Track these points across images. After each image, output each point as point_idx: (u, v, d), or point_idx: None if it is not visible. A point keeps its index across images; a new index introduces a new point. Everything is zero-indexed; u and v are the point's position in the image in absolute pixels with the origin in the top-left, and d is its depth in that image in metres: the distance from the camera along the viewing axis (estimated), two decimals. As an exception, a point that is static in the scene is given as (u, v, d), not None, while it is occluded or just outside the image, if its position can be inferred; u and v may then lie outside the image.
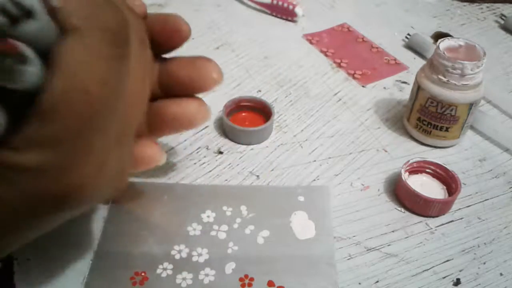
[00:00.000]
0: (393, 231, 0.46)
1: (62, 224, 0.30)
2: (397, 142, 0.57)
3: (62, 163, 0.22)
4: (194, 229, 0.45)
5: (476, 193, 0.51)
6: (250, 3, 0.80)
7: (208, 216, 0.46)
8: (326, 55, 0.71)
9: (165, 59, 0.40)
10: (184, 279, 0.41)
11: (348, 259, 0.44)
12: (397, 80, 0.67)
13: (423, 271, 0.43)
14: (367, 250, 0.45)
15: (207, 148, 0.54)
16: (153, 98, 0.39)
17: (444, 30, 0.77)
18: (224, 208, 0.47)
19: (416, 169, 0.51)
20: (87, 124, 0.22)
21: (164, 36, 0.36)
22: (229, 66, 0.68)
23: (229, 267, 0.42)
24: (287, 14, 0.78)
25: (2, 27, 0.20)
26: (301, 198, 0.48)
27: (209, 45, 0.72)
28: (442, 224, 0.47)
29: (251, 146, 0.55)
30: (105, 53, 0.22)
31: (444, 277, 0.43)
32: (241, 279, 0.41)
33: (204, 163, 0.53)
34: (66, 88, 0.21)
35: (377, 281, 0.42)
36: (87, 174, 0.24)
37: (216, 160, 0.53)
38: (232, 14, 0.79)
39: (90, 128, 0.22)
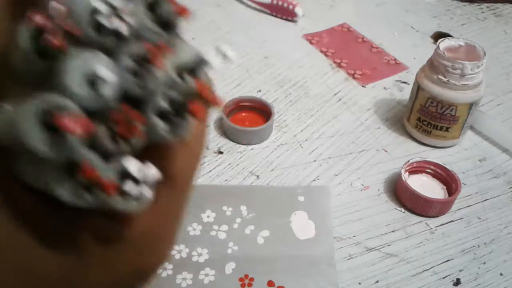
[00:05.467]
0: (393, 231, 0.46)
1: None
2: (397, 142, 0.57)
3: (161, 235, 0.21)
4: (194, 229, 0.45)
5: (476, 193, 0.51)
6: (250, 3, 0.80)
7: (208, 216, 0.46)
8: (326, 55, 0.71)
9: None
10: (184, 279, 0.41)
11: (348, 259, 0.44)
12: (397, 80, 0.67)
13: (423, 271, 0.43)
14: (367, 250, 0.45)
15: (207, 148, 0.54)
16: None
17: (444, 30, 0.77)
18: (224, 208, 0.47)
19: (416, 169, 0.51)
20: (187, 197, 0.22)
21: None
22: (229, 66, 0.68)
23: (229, 267, 0.42)
24: (287, 14, 0.77)
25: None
26: (301, 198, 0.48)
27: (209, 45, 0.72)
28: (442, 224, 0.47)
29: (251, 146, 0.55)
30: None
31: (444, 277, 0.43)
32: (241, 279, 0.41)
33: (204, 163, 0.53)
34: (186, 165, 0.20)
35: (377, 281, 0.42)
36: (173, 242, 0.23)
37: (216, 160, 0.53)
38: (232, 14, 0.79)
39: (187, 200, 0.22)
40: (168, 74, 0.16)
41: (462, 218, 0.48)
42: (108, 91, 0.15)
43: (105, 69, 0.15)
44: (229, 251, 0.43)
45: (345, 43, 0.74)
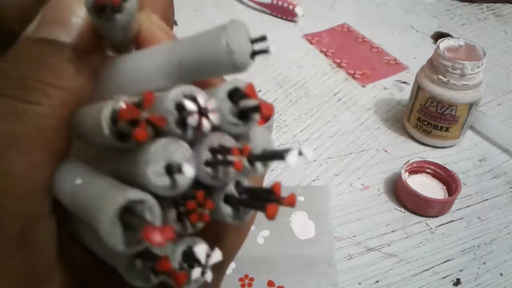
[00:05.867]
0: (393, 231, 0.46)
1: None
2: (397, 142, 0.57)
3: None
4: (194, 229, 0.45)
5: (476, 193, 0.51)
6: (250, 3, 0.80)
7: (208, 216, 0.46)
8: (326, 55, 0.71)
9: None
10: (184, 279, 0.41)
11: (348, 259, 0.44)
12: (397, 80, 0.67)
13: (423, 271, 0.43)
14: (367, 250, 0.45)
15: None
16: None
17: (444, 30, 0.77)
18: (224, 208, 0.47)
19: (416, 169, 0.51)
20: None
21: None
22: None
23: (229, 267, 0.42)
24: (287, 14, 0.77)
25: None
26: (301, 198, 0.48)
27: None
28: (442, 224, 0.47)
29: (251, 146, 0.55)
30: None
31: (444, 277, 0.43)
32: (241, 279, 0.41)
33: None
34: (236, 244, 0.21)
35: (377, 281, 0.42)
36: None
37: (216, 160, 0.53)
38: (232, 14, 0.79)
39: None
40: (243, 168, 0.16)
41: (462, 218, 0.48)
42: (185, 182, 0.14)
43: (187, 164, 0.14)
44: (229, 251, 0.43)
45: (345, 43, 0.74)
